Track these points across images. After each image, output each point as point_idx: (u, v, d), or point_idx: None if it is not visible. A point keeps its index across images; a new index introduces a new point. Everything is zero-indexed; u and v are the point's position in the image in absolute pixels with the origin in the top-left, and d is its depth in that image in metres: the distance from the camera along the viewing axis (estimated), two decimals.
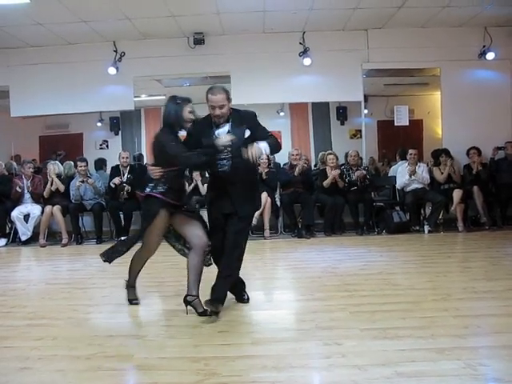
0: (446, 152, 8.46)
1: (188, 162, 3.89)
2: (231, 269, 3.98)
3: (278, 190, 8.48)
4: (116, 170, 8.63)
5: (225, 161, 3.91)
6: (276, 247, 7.34)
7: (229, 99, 3.92)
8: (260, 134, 3.95)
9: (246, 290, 4.38)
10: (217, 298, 3.86)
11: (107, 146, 13.61)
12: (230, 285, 4.09)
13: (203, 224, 4.08)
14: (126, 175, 8.47)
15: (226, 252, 3.93)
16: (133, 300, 4.32)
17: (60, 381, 2.76)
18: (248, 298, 4.33)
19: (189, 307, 3.87)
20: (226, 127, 3.91)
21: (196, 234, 3.97)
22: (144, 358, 3.08)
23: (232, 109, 3.97)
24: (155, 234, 3.98)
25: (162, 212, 3.87)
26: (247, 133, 3.90)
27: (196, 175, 8.51)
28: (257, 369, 2.84)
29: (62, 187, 8.24)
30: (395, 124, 9.32)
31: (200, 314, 3.82)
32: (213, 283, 3.91)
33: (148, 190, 3.95)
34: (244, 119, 3.95)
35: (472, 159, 8.42)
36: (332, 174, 8.14)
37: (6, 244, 8.29)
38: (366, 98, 9.52)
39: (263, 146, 3.82)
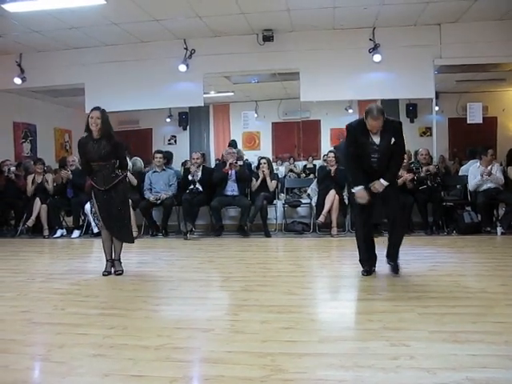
0: None
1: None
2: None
3: (346, 188, 8.37)
4: (188, 172, 8.73)
5: (375, 159, 4.86)
6: (343, 245, 7.27)
7: (383, 116, 4.71)
8: (397, 147, 4.85)
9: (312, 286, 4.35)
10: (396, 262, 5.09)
11: (175, 141, 13.95)
12: None
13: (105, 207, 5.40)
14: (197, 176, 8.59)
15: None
16: (103, 272, 5.38)
17: (130, 369, 2.83)
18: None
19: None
20: (378, 133, 4.81)
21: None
22: (211, 351, 3.12)
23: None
24: (95, 205, 5.45)
25: (93, 191, 5.46)
26: (393, 140, 4.79)
27: (265, 170, 8.51)
28: (323, 367, 2.82)
29: (134, 182, 8.46)
30: (468, 122, 9.00)
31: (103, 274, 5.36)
32: None
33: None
34: (392, 129, 4.81)
35: None
36: (403, 178, 7.90)
37: (79, 236, 8.65)
38: (436, 94, 9.25)
39: (384, 183, 4.83)
